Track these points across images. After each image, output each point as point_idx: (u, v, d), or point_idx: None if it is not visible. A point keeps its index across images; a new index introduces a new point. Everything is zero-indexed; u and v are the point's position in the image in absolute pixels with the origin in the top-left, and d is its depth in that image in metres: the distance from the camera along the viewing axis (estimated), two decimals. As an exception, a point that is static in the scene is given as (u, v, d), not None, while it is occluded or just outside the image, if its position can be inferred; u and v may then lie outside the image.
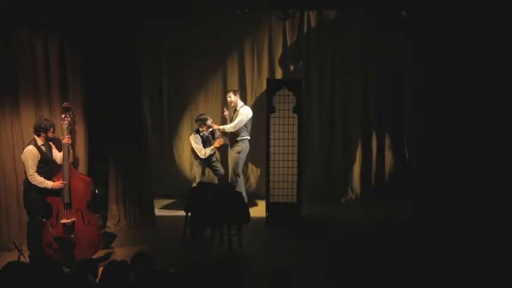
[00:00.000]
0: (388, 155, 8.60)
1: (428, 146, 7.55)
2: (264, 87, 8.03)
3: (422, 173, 7.76)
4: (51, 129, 6.18)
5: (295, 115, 7.32)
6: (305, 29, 8.36)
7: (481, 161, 7.06)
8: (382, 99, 8.54)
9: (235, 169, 7.86)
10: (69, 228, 6.02)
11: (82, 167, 6.69)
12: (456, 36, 7.02)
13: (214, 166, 8.00)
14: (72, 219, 6.04)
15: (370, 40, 8.31)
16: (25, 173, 6.05)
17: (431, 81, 7.32)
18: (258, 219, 7.44)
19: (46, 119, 6.26)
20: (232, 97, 7.91)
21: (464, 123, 7.18)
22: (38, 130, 6.12)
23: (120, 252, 6.43)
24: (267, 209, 7.52)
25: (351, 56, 8.44)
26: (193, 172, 8.09)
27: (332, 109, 8.56)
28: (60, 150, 6.24)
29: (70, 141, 6.22)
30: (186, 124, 8.65)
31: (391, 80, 8.45)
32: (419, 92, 7.96)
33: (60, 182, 6.04)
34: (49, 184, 6.02)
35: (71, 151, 6.26)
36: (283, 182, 7.41)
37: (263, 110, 7.70)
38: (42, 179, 6.01)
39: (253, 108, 8.53)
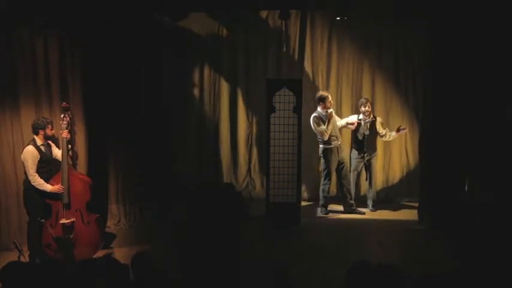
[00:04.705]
0: (394, 159, 8.53)
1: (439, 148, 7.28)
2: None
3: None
4: (49, 126, 6.17)
5: (295, 115, 7.33)
6: (305, 29, 8.34)
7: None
8: (389, 99, 8.42)
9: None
10: (69, 228, 6.02)
11: (82, 167, 6.69)
12: (458, 36, 6.95)
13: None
14: (72, 220, 6.04)
15: (374, 39, 8.26)
16: (25, 173, 6.06)
17: (441, 82, 7.09)
18: (257, 219, 7.44)
19: (43, 117, 6.25)
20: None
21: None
22: (36, 128, 6.11)
23: (120, 252, 6.42)
24: (267, 209, 7.52)
25: (353, 56, 8.40)
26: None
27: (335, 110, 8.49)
28: (59, 147, 6.24)
29: (69, 136, 6.20)
30: (186, 123, 8.63)
31: (398, 81, 8.36)
32: (429, 93, 7.69)
33: (59, 186, 6.04)
34: (48, 187, 6.02)
35: (69, 146, 6.25)
36: (283, 182, 7.41)
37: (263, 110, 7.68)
38: (41, 181, 6.02)
39: (252, 108, 8.53)
